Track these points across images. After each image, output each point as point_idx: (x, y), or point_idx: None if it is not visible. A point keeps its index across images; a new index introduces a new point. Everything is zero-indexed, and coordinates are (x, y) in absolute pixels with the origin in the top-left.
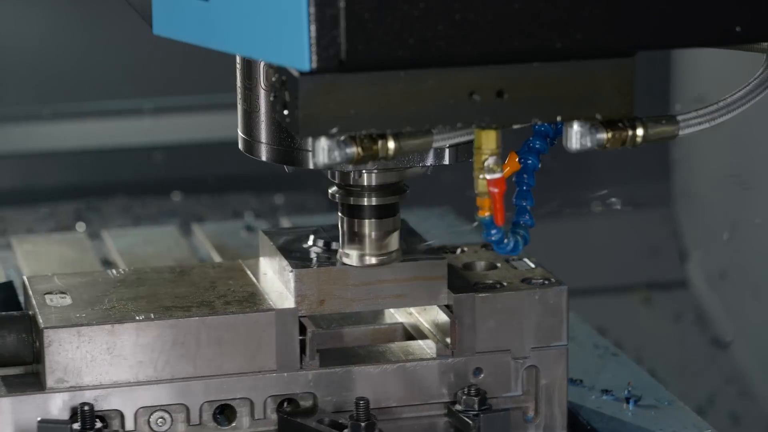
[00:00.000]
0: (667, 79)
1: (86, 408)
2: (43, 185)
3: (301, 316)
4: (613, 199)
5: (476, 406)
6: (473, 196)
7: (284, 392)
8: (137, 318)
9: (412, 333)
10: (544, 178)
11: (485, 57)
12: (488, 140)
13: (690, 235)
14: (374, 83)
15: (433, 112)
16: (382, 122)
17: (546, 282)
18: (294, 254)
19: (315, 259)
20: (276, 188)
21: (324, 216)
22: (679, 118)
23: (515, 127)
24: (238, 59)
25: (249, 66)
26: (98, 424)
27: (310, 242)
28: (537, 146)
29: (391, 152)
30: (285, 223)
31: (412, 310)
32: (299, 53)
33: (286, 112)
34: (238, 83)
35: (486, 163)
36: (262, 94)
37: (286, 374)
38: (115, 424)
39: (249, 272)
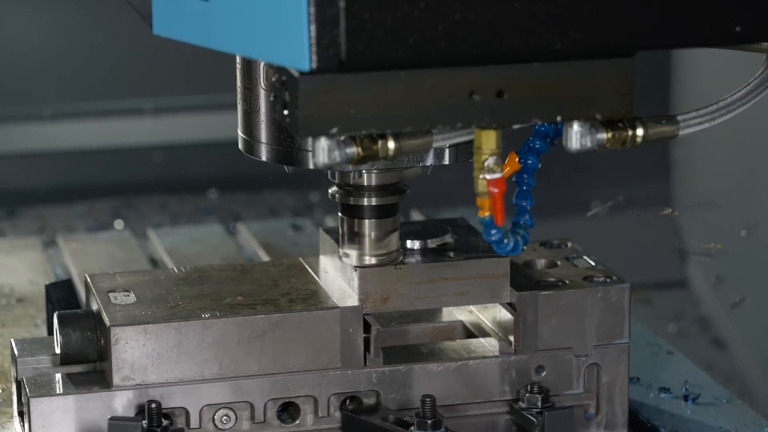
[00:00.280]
0: (667, 79)
1: (153, 406)
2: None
3: (364, 314)
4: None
5: (539, 404)
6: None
7: (348, 390)
8: (204, 316)
9: (472, 330)
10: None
11: (485, 57)
12: (488, 140)
13: (690, 235)
14: (374, 83)
15: (433, 112)
16: (382, 122)
17: (608, 280)
18: None
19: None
20: (311, 186)
21: None
22: (679, 118)
23: (515, 127)
24: (238, 59)
25: (249, 66)
26: (164, 422)
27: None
28: (537, 146)
29: (391, 152)
30: (329, 222)
31: (472, 307)
32: (299, 53)
33: (286, 112)
34: (238, 83)
35: (486, 163)
36: (262, 94)
37: (350, 372)
38: (180, 421)
39: (310, 270)
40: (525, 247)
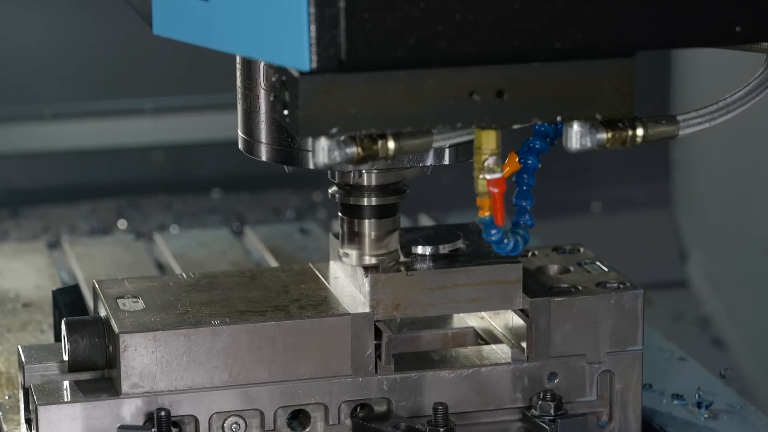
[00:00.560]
0: (667, 79)
1: (163, 413)
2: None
3: (376, 321)
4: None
5: (552, 411)
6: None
7: (359, 397)
8: (213, 322)
9: (483, 337)
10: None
11: (485, 57)
12: (488, 140)
13: (690, 235)
14: (374, 83)
15: (433, 112)
16: (382, 122)
17: (621, 286)
18: None
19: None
20: (315, 185)
21: None
22: (679, 118)
23: (515, 127)
24: (238, 59)
25: (249, 66)
26: (173, 430)
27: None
28: (537, 146)
29: (391, 152)
30: (335, 224)
31: (483, 313)
32: (299, 53)
33: (286, 112)
34: (238, 83)
35: (486, 163)
36: (262, 94)
37: (360, 379)
38: (189, 429)
39: (320, 276)
40: (537, 253)
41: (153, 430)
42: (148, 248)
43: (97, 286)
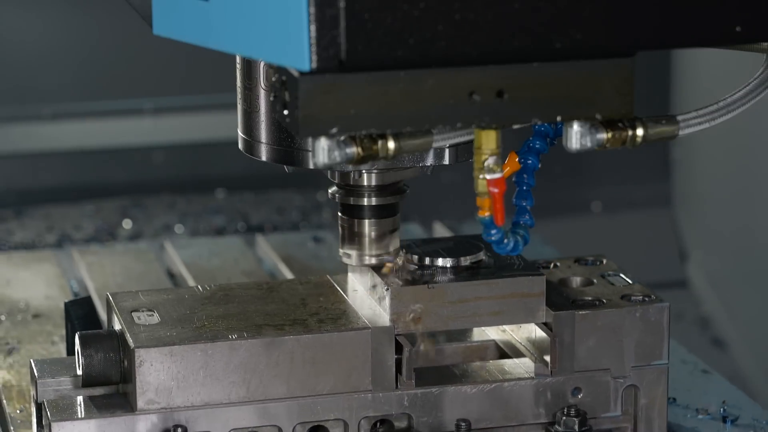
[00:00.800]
0: (667, 79)
1: (179, 430)
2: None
3: (396, 335)
4: None
5: (576, 428)
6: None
7: (379, 413)
8: (231, 337)
9: (505, 350)
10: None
11: (485, 57)
12: (488, 140)
13: (690, 235)
14: (374, 83)
15: (433, 112)
16: (382, 122)
17: (646, 299)
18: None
19: (410, 276)
20: (319, 185)
21: None
22: (679, 118)
23: (515, 127)
24: (238, 59)
25: (249, 66)
26: None
27: (401, 259)
28: (537, 146)
29: (391, 152)
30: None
31: (505, 326)
32: (299, 53)
33: (286, 112)
34: (238, 83)
35: (486, 163)
36: (262, 94)
37: (381, 394)
38: None
39: (339, 288)
40: (559, 264)
41: None
42: (158, 257)
43: (111, 299)
